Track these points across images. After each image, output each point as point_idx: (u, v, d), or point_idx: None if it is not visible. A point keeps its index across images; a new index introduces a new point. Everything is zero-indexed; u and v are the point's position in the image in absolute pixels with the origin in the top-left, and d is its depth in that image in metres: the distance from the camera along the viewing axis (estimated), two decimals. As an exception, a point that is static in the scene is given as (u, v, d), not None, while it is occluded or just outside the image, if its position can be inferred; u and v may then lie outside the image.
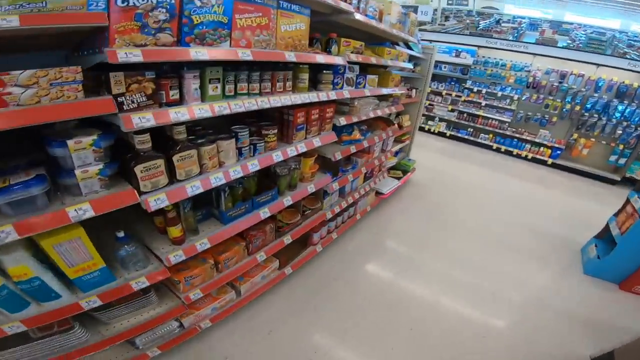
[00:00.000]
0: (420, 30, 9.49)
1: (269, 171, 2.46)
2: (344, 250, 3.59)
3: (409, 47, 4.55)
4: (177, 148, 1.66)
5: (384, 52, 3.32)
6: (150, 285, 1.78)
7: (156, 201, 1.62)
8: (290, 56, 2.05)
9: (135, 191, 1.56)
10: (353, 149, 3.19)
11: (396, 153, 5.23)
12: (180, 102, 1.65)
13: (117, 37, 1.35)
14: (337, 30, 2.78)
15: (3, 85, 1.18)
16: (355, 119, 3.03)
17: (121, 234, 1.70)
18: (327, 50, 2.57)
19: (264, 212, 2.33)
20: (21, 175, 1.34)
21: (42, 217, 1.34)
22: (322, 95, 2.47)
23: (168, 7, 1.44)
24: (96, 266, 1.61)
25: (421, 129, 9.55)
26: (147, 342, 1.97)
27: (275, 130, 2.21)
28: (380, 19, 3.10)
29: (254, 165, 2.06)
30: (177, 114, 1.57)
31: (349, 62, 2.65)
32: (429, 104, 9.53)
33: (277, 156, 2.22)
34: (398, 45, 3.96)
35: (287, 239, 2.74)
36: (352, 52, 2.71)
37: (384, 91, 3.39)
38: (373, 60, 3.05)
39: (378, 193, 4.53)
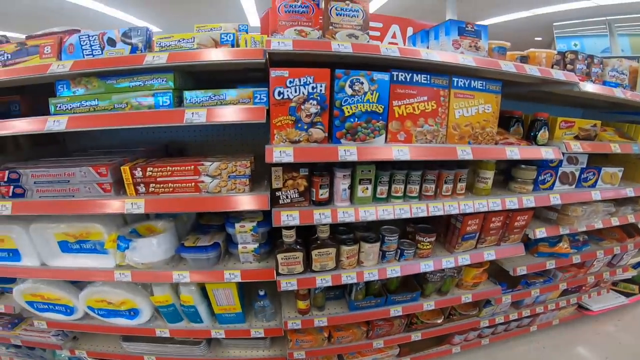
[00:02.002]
0: None
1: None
2: (490, 359, 2.56)
3: None
4: (317, 244, 1.52)
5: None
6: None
7: (287, 284, 1.58)
8: (465, 152, 1.48)
9: (275, 271, 1.56)
10: (551, 264, 2.12)
11: (638, 264, 3.21)
12: (328, 201, 1.50)
13: (276, 133, 1.30)
14: (560, 99, 1.81)
15: (199, 174, 1.38)
16: (565, 231, 1.96)
17: (262, 292, 1.79)
18: (531, 135, 1.70)
19: (396, 311, 1.90)
20: (207, 238, 1.58)
21: (207, 273, 1.57)
22: (511, 203, 1.69)
23: (319, 98, 1.28)
24: (235, 310, 1.78)
25: None
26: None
27: (432, 239, 1.71)
28: (634, 84, 1.80)
29: (394, 271, 1.67)
30: (321, 216, 1.42)
31: (570, 153, 1.69)
32: None
33: (426, 266, 1.73)
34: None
35: (416, 336, 2.18)
36: (576, 137, 1.70)
37: (631, 192, 2.02)
38: (615, 148, 1.83)
39: (582, 307, 2.95)
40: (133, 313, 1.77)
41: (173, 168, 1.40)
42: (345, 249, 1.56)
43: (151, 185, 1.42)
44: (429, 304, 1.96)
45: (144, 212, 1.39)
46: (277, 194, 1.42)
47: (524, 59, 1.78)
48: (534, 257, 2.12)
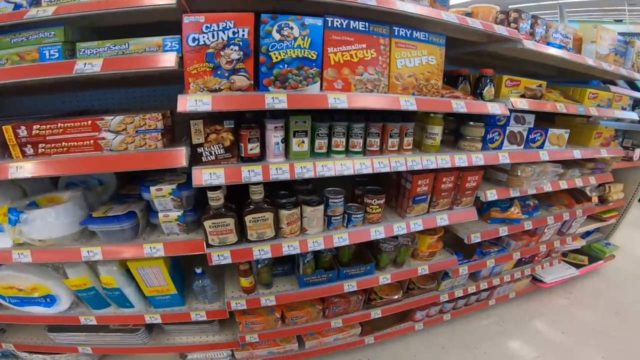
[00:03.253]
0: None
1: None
2: (452, 335, 2.40)
3: (636, 88, 2.55)
4: (251, 208, 1.26)
5: (584, 95, 1.90)
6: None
7: (219, 257, 1.30)
8: (408, 103, 1.28)
9: (204, 243, 1.28)
10: (504, 230, 1.98)
11: (586, 234, 3.21)
12: (260, 157, 1.24)
13: (191, 82, 1.05)
14: (507, 65, 1.69)
15: (98, 130, 1.08)
16: (515, 194, 1.83)
17: (199, 270, 1.51)
18: (477, 92, 1.55)
19: (350, 285, 1.67)
20: (122, 208, 1.28)
21: (123, 247, 1.27)
22: (460, 160, 1.51)
23: (241, 43, 1.04)
24: (169, 291, 1.49)
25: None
26: (198, 359, 1.79)
27: (381, 201, 1.49)
28: (579, 49, 1.73)
29: (341, 239, 1.44)
30: (250, 173, 1.17)
31: (516, 111, 1.55)
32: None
33: (376, 232, 1.51)
34: (614, 84, 2.23)
35: (376, 313, 1.96)
36: (522, 96, 1.57)
37: (578, 154, 1.93)
38: (560, 107, 1.72)
39: (536, 279, 2.88)
40: (49, 300, 1.42)
41: (65, 125, 1.10)
42: (284, 214, 1.32)
43: (40, 145, 1.11)
44: (384, 277, 1.75)
45: (31, 176, 1.08)
46: (199, 150, 1.15)
47: (469, 15, 1.63)
48: (487, 224, 1.98)
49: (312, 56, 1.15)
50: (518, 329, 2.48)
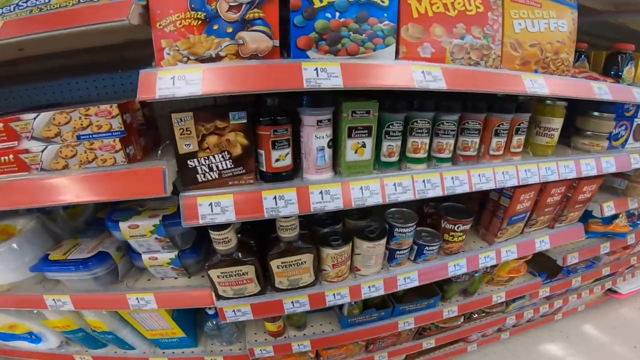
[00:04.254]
0: None
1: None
2: (509, 354, 1.94)
3: None
4: (280, 250, 0.77)
5: None
6: None
7: (235, 312, 0.85)
8: (537, 85, 0.73)
9: (213, 294, 0.83)
10: (606, 247, 1.42)
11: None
12: (293, 170, 0.72)
13: (165, 47, 0.53)
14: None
15: (16, 138, 0.60)
16: (633, 205, 1.24)
17: (211, 311, 1.07)
18: (611, 73, 0.98)
19: (406, 323, 1.21)
20: (92, 244, 0.83)
21: (100, 297, 0.84)
22: (588, 166, 0.96)
23: None
24: (175, 335, 1.08)
25: None
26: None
27: (467, 227, 0.95)
28: None
29: (408, 280, 0.95)
30: (278, 202, 0.66)
31: None
32: None
33: (456, 267, 1.00)
34: None
35: (429, 343, 1.52)
36: None
37: None
38: None
39: (610, 290, 2.31)
40: (34, 337, 1.07)
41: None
42: (329, 254, 0.82)
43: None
44: (450, 310, 1.27)
45: None
46: (190, 163, 0.65)
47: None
48: (586, 239, 1.42)
49: (383, 1, 0.59)
50: (585, 344, 1.98)
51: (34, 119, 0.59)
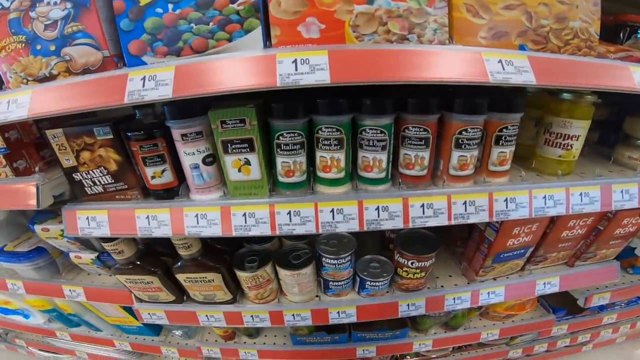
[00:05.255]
0: None
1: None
2: None
3: None
4: (179, 266, 0.71)
5: None
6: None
7: (151, 315, 0.84)
8: (511, 69, 0.46)
9: (132, 295, 0.83)
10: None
11: None
12: (178, 188, 0.62)
13: (7, 71, 0.49)
14: None
15: None
16: None
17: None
18: None
19: (367, 351, 1.07)
20: (35, 240, 0.89)
21: (44, 286, 0.92)
22: (624, 194, 0.63)
23: None
24: (132, 323, 1.14)
25: None
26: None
27: (426, 263, 0.73)
28: None
29: (343, 315, 0.79)
30: (150, 223, 0.58)
31: None
32: None
33: (410, 308, 0.80)
34: None
35: (411, 371, 1.35)
36: None
37: None
38: None
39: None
40: (26, 312, 1.26)
41: None
42: (241, 276, 0.72)
43: None
44: (422, 344, 1.07)
45: None
46: (76, 177, 0.61)
47: None
48: (624, 276, 1.03)
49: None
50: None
51: None
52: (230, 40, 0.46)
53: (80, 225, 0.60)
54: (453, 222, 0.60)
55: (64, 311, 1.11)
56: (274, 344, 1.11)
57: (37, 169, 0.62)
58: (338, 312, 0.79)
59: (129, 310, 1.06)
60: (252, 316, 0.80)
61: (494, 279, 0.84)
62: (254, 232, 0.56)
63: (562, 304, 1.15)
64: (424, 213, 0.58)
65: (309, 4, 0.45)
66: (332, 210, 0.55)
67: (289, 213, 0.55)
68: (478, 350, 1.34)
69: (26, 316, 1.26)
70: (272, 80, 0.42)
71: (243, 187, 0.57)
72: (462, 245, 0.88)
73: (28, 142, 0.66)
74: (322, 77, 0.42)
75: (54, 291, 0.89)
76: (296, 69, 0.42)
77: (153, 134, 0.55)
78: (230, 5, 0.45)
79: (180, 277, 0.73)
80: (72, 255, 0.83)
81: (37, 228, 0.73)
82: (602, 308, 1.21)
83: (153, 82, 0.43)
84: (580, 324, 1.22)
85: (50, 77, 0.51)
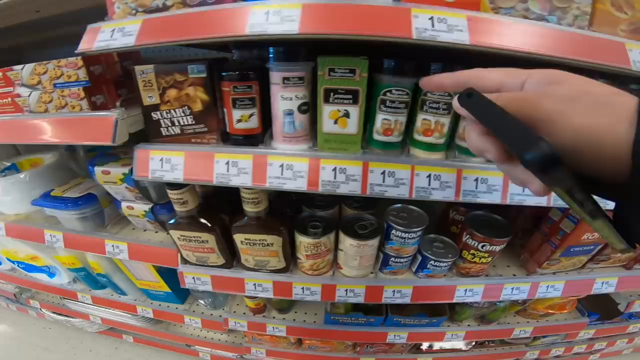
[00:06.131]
0: None
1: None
2: None
3: None
4: (242, 224, 0.67)
5: None
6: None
7: (195, 280, 0.80)
8: None
9: (179, 255, 0.79)
10: None
11: None
12: (261, 135, 0.59)
13: (115, 1, 0.46)
14: None
15: (12, 84, 0.61)
16: None
17: (196, 271, 1.06)
18: None
19: (398, 336, 1.04)
20: (86, 187, 0.86)
21: (85, 239, 0.88)
22: None
23: None
24: (161, 288, 1.11)
25: None
26: (205, 352, 1.49)
27: (498, 248, 0.70)
28: None
29: (398, 294, 0.76)
30: (230, 169, 0.55)
31: None
32: None
33: (467, 293, 0.77)
34: None
35: (426, 363, 1.33)
36: None
37: None
38: None
39: None
40: (52, 271, 1.23)
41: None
42: (303, 241, 0.69)
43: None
44: (454, 335, 1.05)
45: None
46: (154, 116, 0.58)
47: None
48: None
49: None
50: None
51: (22, 69, 0.63)
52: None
53: (152, 167, 0.57)
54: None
55: (93, 271, 1.08)
56: (304, 321, 1.08)
57: (117, 104, 0.59)
58: (393, 291, 0.76)
59: (165, 273, 1.04)
60: (302, 288, 0.76)
61: (554, 273, 0.81)
62: (343, 189, 0.52)
63: (595, 308, 1.14)
64: (523, 191, 0.54)
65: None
66: (429, 176, 0.52)
67: (383, 173, 0.52)
68: (497, 348, 1.33)
69: (51, 275, 1.22)
70: (408, 33, 0.39)
71: (335, 140, 0.53)
72: (522, 237, 0.84)
73: (109, 79, 0.64)
74: (460, 37, 0.40)
75: (95, 246, 0.85)
76: (432, 26, 0.39)
77: (248, 75, 0.52)
78: None
79: (239, 237, 0.69)
80: (124, 205, 0.79)
81: (97, 170, 0.70)
82: (630, 316, 1.19)
83: (278, 17, 0.40)
84: (606, 330, 1.20)
85: (163, 9, 0.48)
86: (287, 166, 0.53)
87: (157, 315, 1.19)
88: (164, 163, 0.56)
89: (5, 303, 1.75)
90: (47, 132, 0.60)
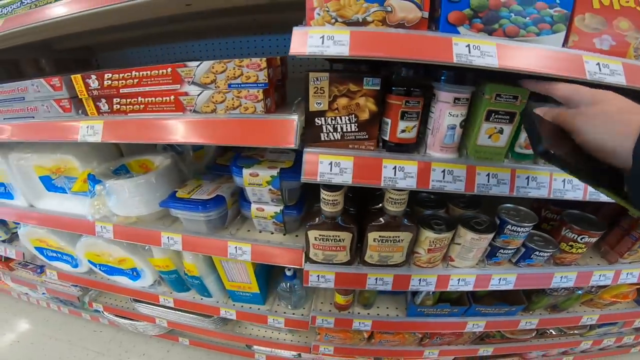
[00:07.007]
0: None
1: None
2: None
3: None
4: (380, 223, 0.77)
5: None
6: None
7: (319, 278, 0.88)
8: None
9: (304, 255, 0.87)
10: None
11: None
12: (415, 144, 0.69)
13: (316, 6, 0.54)
14: None
15: (180, 81, 0.67)
16: None
17: (290, 272, 1.13)
18: None
19: (476, 325, 1.14)
20: (211, 187, 0.93)
21: (206, 241, 0.94)
22: None
23: None
24: (251, 289, 1.17)
25: None
26: (262, 352, 1.54)
27: (593, 240, 0.82)
28: None
29: (503, 282, 0.87)
30: (397, 173, 0.65)
31: None
32: None
33: (563, 280, 0.88)
34: None
35: (485, 351, 1.42)
36: None
37: None
38: None
39: None
40: (135, 273, 1.25)
41: (140, 73, 0.71)
42: (429, 236, 0.79)
43: (115, 100, 0.77)
44: (528, 322, 1.15)
45: (101, 140, 0.76)
46: (318, 122, 0.66)
47: None
48: None
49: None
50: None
51: (197, 66, 0.66)
52: (537, 34, 0.55)
53: (321, 170, 0.65)
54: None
55: (188, 273, 1.13)
56: (387, 315, 1.16)
57: (293, 108, 0.66)
58: (499, 279, 0.86)
59: (259, 275, 1.10)
60: (419, 280, 0.86)
61: (630, 262, 0.93)
62: (494, 191, 0.63)
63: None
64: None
65: (608, 26, 0.56)
66: (564, 180, 0.64)
67: (528, 178, 0.63)
68: (554, 338, 1.44)
69: (134, 278, 1.27)
70: (581, 74, 0.52)
71: (485, 151, 0.64)
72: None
73: (273, 83, 0.69)
74: (618, 80, 0.52)
75: (216, 248, 0.92)
76: (599, 70, 0.53)
77: (418, 92, 0.62)
78: (547, 9, 0.54)
79: (374, 235, 0.78)
80: (254, 207, 0.86)
81: (245, 172, 0.77)
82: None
83: (478, 51, 0.50)
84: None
85: (362, 23, 0.56)
86: (448, 171, 0.63)
87: (239, 317, 1.24)
88: (334, 167, 0.65)
89: (56, 305, 1.75)
90: (231, 133, 0.66)
